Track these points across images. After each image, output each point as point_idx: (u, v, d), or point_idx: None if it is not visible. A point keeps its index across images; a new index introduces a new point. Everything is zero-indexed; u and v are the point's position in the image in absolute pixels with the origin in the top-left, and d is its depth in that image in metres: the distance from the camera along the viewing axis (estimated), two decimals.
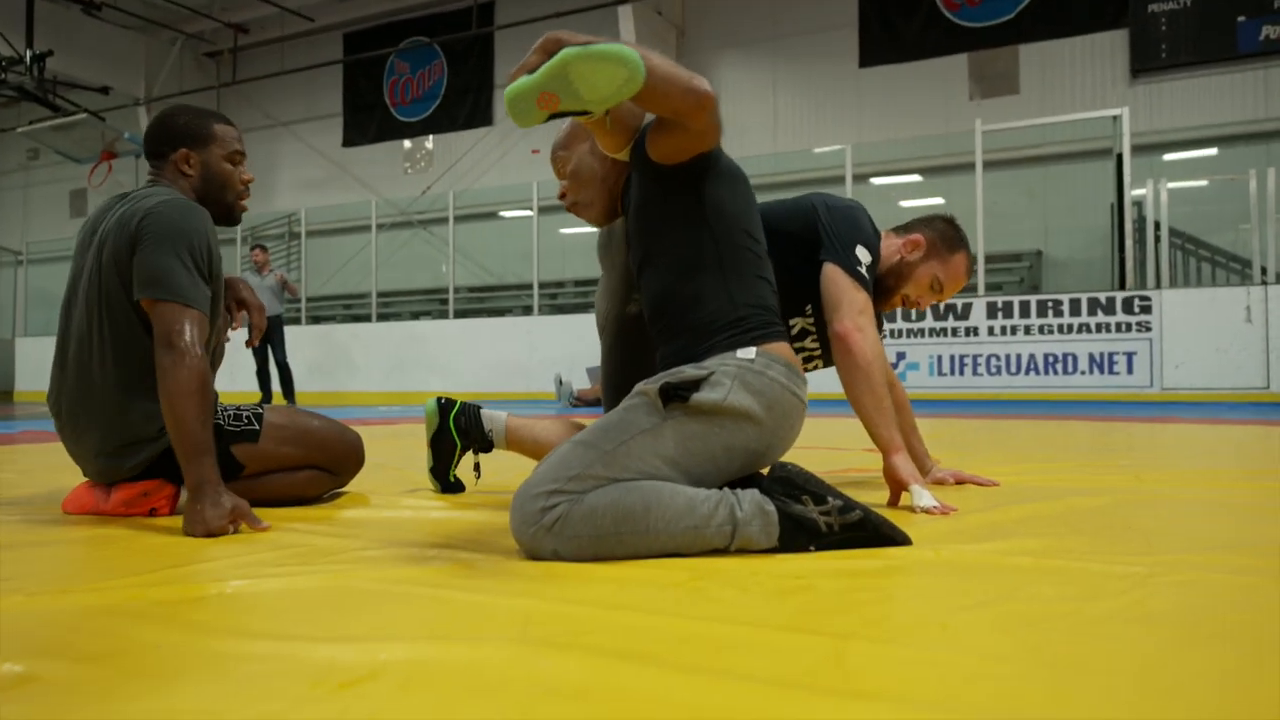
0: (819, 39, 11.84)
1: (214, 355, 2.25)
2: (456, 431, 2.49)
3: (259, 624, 1.23)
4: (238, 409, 2.23)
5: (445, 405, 2.52)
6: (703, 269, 1.78)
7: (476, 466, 2.55)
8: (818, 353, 2.40)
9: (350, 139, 15.16)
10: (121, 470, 2.09)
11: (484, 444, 2.49)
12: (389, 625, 1.21)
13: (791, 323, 2.34)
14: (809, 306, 2.32)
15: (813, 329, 2.36)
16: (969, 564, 1.53)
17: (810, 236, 2.25)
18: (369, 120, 14.99)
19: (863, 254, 2.21)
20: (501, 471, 2.81)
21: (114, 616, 1.26)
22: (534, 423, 2.46)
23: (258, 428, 2.20)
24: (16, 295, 16.61)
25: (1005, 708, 0.88)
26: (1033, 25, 10.76)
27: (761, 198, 2.07)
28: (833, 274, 2.19)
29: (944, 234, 2.40)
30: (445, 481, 2.55)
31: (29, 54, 12.94)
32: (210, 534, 1.82)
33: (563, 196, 2.09)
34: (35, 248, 16.74)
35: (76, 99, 14.64)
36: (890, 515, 1.71)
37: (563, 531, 1.53)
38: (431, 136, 14.45)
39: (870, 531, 1.61)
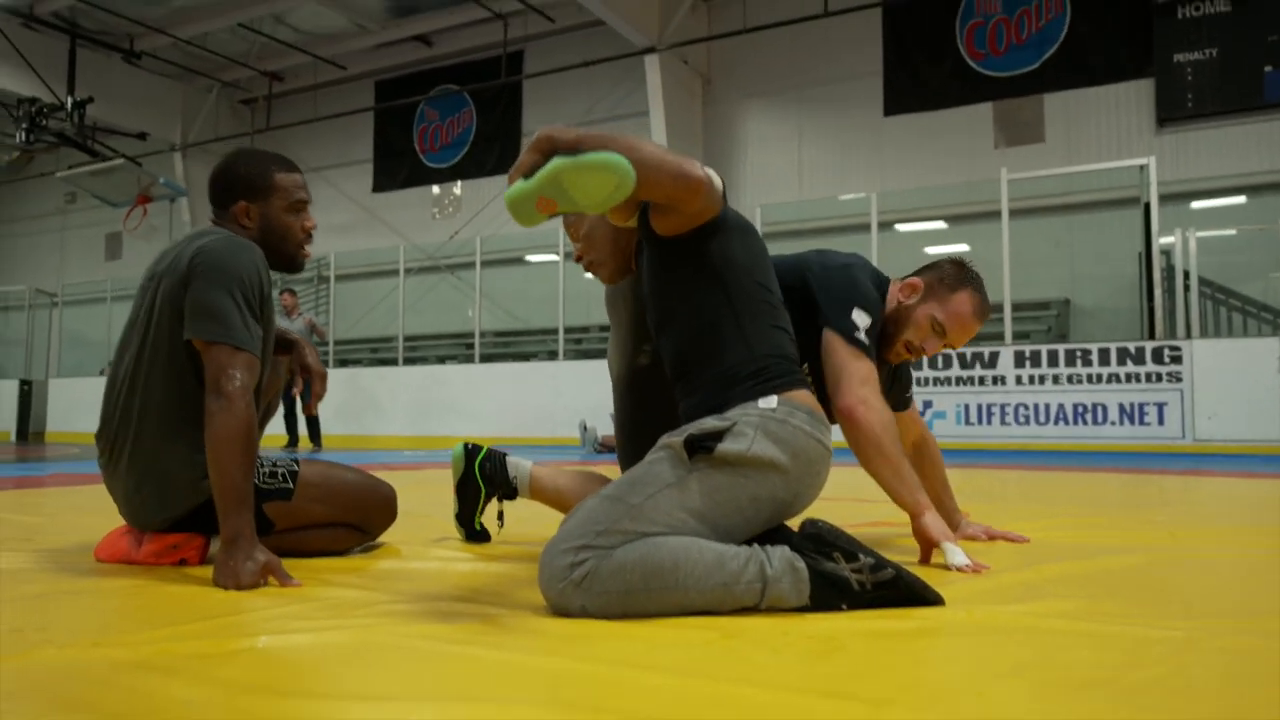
0: (844, 88, 11.92)
1: (264, 408, 2.27)
2: (481, 478, 2.50)
3: (289, 681, 1.23)
4: (274, 464, 2.19)
5: (471, 451, 2.53)
6: (719, 324, 1.79)
7: (500, 514, 2.55)
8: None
9: (380, 184, 15.36)
10: (153, 519, 2.08)
11: (508, 491, 2.49)
12: (418, 684, 1.20)
13: None
14: (804, 365, 2.22)
15: (809, 386, 2.30)
16: (1003, 626, 1.50)
17: (806, 296, 2.19)
18: (399, 166, 15.19)
19: (860, 317, 2.14)
20: (527, 521, 2.80)
21: (144, 672, 1.25)
22: (557, 474, 2.47)
23: (291, 486, 2.18)
24: (51, 337, 16.84)
25: None
26: (1057, 75, 10.79)
27: (786, 246, 2.08)
28: (832, 344, 2.13)
29: (945, 275, 2.31)
30: (470, 529, 2.55)
31: (70, 101, 13.27)
32: (241, 588, 1.80)
33: (579, 258, 2.17)
34: (70, 290, 17.02)
35: (114, 144, 14.97)
36: (922, 573, 1.68)
37: (591, 588, 1.52)
38: (460, 182, 14.62)
39: (903, 590, 1.59)
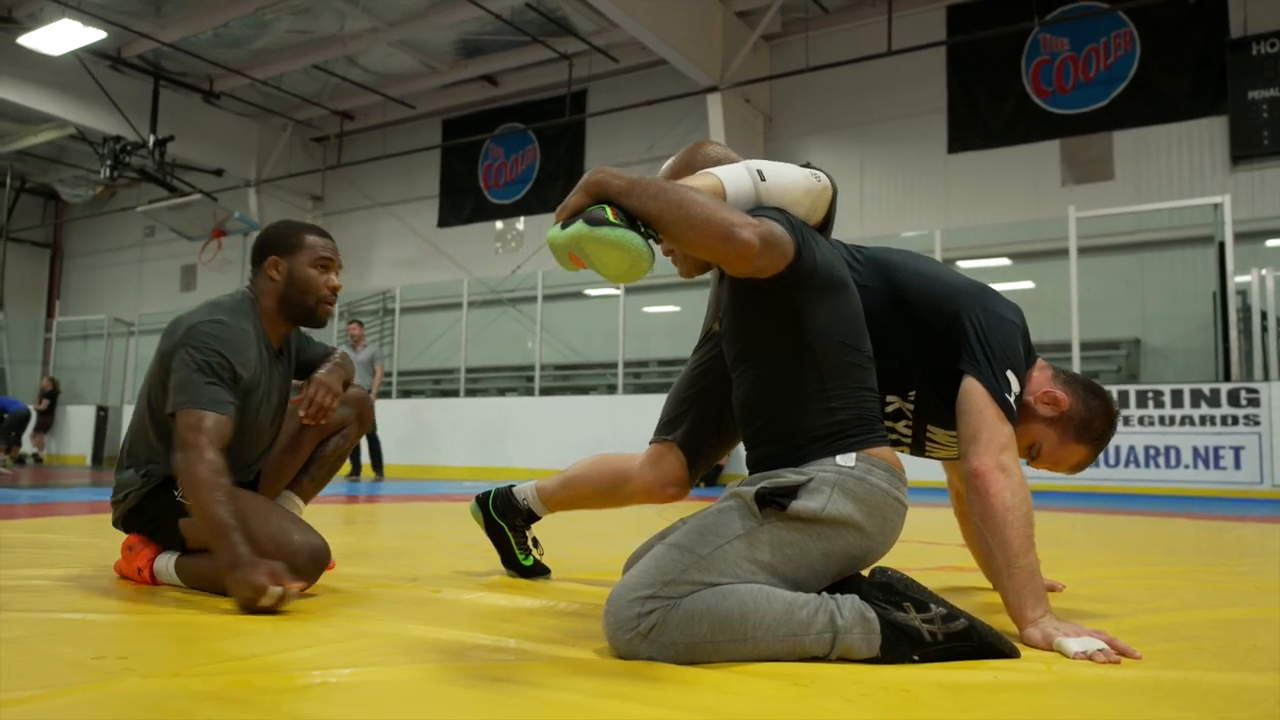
0: (906, 124, 11.86)
1: (268, 446, 2.47)
2: (499, 516, 2.50)
3: (366, 715, 1.23)
4: None
5: (481, 498, 2.55)
6: (799, 382, 1.70)
7: (535, 541, 2.55)
8: (908, 439, 2.18)
9: (445, 219, 15.62)
10: (114, 513, 2.39)
11: (528, 516, 2.48)
12: None
13: (889, 399, 2.08)
14: (912, 393, 2.06)
15: (910, 415, 2.11)
16: (1080, 680, 1.45)
17: (940, 327, 1.95)
18: (463, 202, 15.45)
19: (1014, 381, 1.90)
20: (582, 556, 2.79)
21: (222, 704, 1.27)
22: (559, 476, 2.45)
23: None
24: (127, 365, 17.35)
25: None
26: (1127, 112, 10.61)
27: None
28: (978, 397, 1.87)
29: (1090, 418, 2.00)
30: (520, 569, 2.53)
31: (152, 139, 13.79)
32: (259, 592, 1.88)
33: (670, 251, 2.03)
34: (146, 319, 17.53)
35: (192, 180, 15.48)
36: (996, 623, 1.63)
37: (658, 639, 1.49)
38: (523, 218, 14.81)
39: (976, 642, 1.53)
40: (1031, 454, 2.05)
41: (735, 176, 1.74)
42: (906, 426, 2.15)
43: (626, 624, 1.49)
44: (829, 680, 1.43)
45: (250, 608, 1.89)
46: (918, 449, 2.20)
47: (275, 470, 2.56)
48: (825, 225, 1.87)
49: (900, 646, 1.51)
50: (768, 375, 1.74)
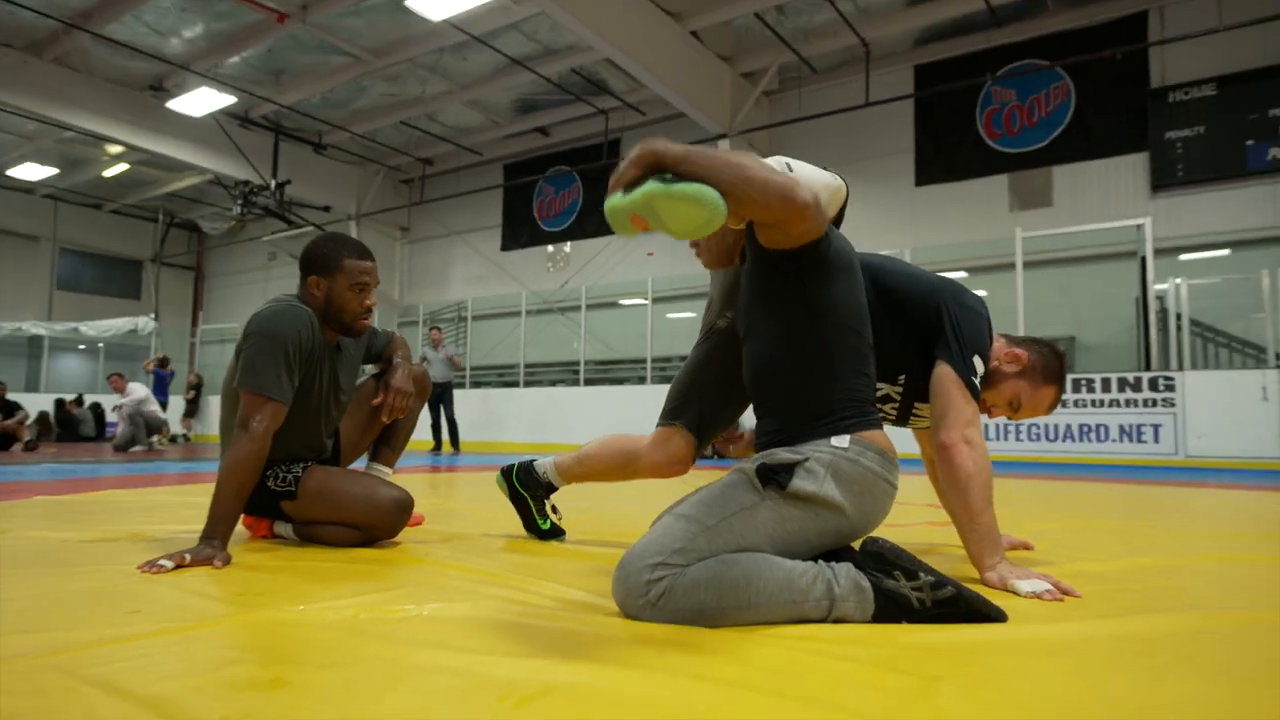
0: (881, 162, 11.74)
1: (322, 424, 2.32)
2: (521, 487, 2.39)
3: (453, 641, 1.24)
4: (286, 471, 2.22)
5: (506, 470, 2.42)
6: (803, 360, 1.54)
7: (554, 508, 2.44)
8: (893, 415, 2.08)
9: (506, 244, 15.66)
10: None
11: (547, 487, 2.36)
12: (554, 650, 1.19)
13: (879, 385, 1.98)
14: (902, 377, 1.97)
15: (897, 397, 2.01)
16: (1048, 641, 1.35)
17: (924, 319, 1.89)
18: (521, 230, 15.48)
19: (979, 365, 1.84)
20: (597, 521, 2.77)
21: (340, 632, 1.28)
22: (575, 452, 2.32)
23: (295, 490, 2.20)
24: None
25: None
26: (1064, 150, 10.43)
27: None
28: (947, 380, 1.81)
29: (1047, 363, 1.99)
30: (540, 532, 2.42)
31: (273, 182, 13.94)
32: (203, 562, 1.83)
33: (695, 244, 1.91)
34: None
35: (305, 215, 15.62)
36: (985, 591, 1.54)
37: (667, 605, 1.34)
38: (569, 243, 14.82)
39: (963, 607, 1.37)
40: (1013, 408, 2.00)
41: (769, 162, 1.64)
42: (893, 408, 2.06)
43: (637, 590, 1.35)
44: (835, 640, 1.33)
45: (156, 569, 1.75)
46: (901, 421, 2.11)
47: (352, 445, 2.52)
48: (837, 222, 1.82)
49: (891, 612, 1.38)
50: (776, 351, 1.57)
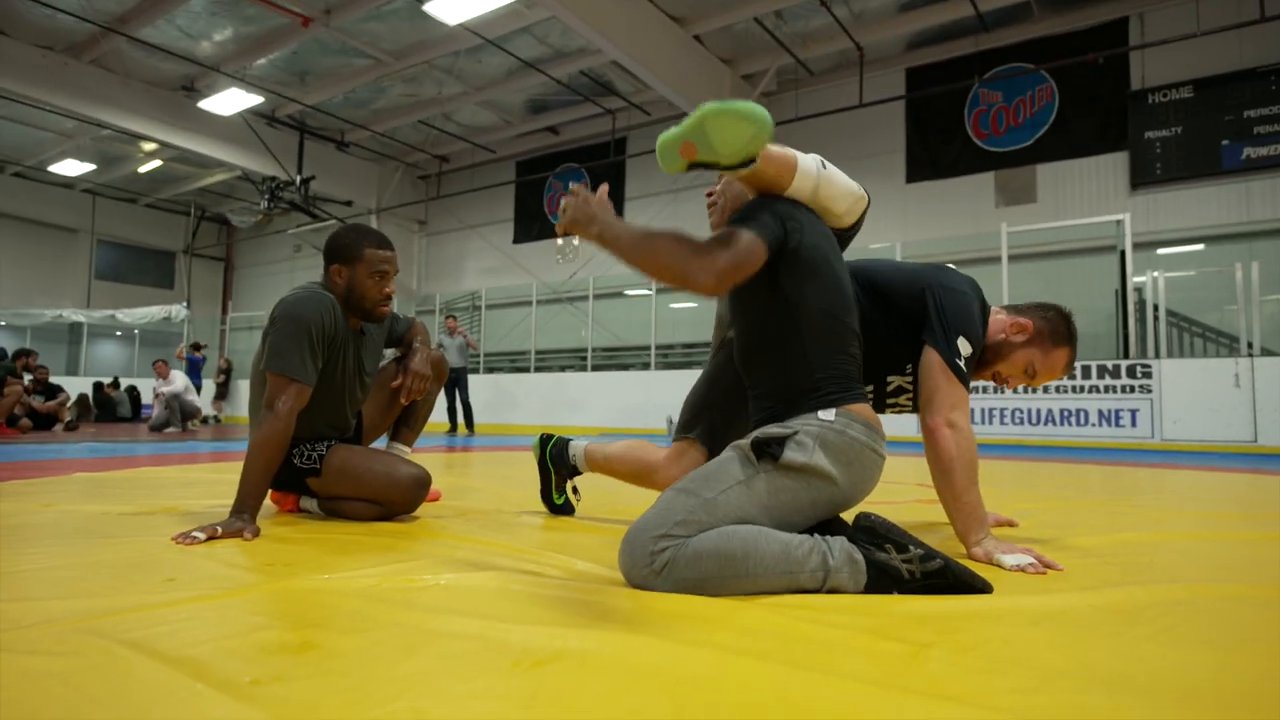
0: (874, 160, 11.66)
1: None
2: (550, 460, 2.38)
3: (469, 609, 1.24)
4: (311, 449, 2.21)
5: (544, 440, 2.39)
6: (783, 345, 1.56)
7: (575, 489, 2.44)
8: (909, 406, 2.00)
9: (518, 237, 15.62)
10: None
11: (572, 469, 2.36)
12: (565, 618, 1.19)
13: (890, 379, 1.95)
14: (909, 367, 1.91)
15: (910, 388, 1.95)
16: (1031, 611, 1.34)
17: (916, 309, 1.84)
18: (532, 223, 15.44)
19: (964, 345, 1.77)
20: (610, 500, 2.77)
21: (363, 599, 1.29)
22: (606, 447, 2.30)
23: (319, 467, 2.19)
24: None
25: None
26: (1048, 149, 10.36)
27: None
28: (933, 363, 1.77)
29: (1054, 326, 1.93)
30: (551, 504, 2.41)
31: (299, 178, 13.92)
32: (234, 534, 1.83)
33: (710, 194, 1.91)
34: None
35: (328, 209, 15.62)
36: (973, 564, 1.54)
37: (670, 575, 1.33)
38: (577, 236, 14.75)
39: (951, 579, 1.36)
40: (1029, 375, 1.93)
41: (808, 158, 1.66)
42: (908, 398, 1.99)
43: (641, 561, 1.35)
44: (830, 609, 1.35)
45: (190, 540, 1.75)
46: (916, 407, 2.02)
47: (374, 425, 2.52)
48: (855, 228, 1.79)
49: (882, 582, 1.37)
50: (758, 335, 1.60)
